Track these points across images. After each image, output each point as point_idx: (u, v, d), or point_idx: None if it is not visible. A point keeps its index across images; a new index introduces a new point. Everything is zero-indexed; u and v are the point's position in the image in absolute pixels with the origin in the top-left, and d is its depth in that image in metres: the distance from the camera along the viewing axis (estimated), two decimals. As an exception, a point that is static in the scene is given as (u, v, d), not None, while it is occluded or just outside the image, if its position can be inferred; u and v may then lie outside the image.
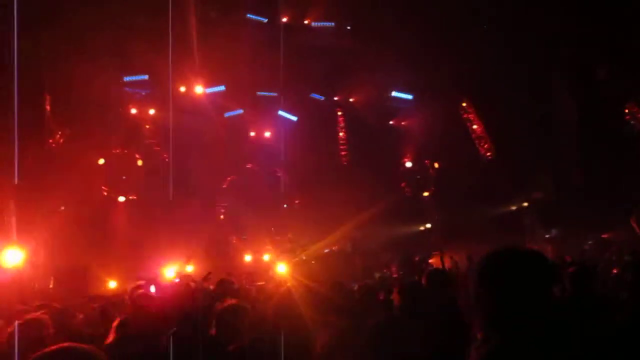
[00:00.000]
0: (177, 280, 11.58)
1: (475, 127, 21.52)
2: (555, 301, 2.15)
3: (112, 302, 7.02)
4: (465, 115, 21.55)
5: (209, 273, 8.71)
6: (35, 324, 3.70)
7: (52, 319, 4.08)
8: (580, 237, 16.50)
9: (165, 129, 19.14)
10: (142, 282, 8.79)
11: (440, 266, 12.66)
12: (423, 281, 5.05)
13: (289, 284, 5.31)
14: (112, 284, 15.37)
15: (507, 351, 2.00)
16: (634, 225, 10.01)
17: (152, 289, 7.82)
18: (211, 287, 8.27)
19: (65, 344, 2.13)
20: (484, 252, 2.17)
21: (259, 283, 11.76)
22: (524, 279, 2.06)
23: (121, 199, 19.15)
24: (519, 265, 2.10)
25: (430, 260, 15.40)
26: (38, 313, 3.99)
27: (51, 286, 14.44)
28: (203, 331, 4.13)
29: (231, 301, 4.46)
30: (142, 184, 19.30)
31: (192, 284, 8.25)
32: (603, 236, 16.02)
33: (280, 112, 21.49)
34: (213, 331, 4.12)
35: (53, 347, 2.10)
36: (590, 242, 16.04)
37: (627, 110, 17.79)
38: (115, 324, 4.77)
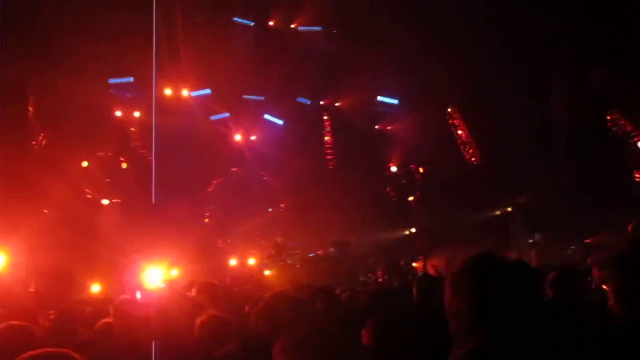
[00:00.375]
0: (162, 285, 11.52)
1: (460, 132, 21.64)
2: (535, 306, 2.09)
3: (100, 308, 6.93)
4: (451, 121, 21.66)
5: (193, 282, 8.53)
6: (19, 330, 3.64)
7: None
8: (564, 242, 16.63)
9: (151, 132, 19.10)
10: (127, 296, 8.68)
11: (423, 271, 12.69)
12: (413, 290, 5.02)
13: (275, 290, 5.23)
14: (96, 289, 15.26)
15: (481, 355, 2.00)
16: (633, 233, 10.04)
17: (138, 295, 7.68)
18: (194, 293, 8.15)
19: (49, 349, 2.14)
20: (467, 257, 2.16)
21: (245, 287, 11.76)
22: (499, 285, 2.05)
23: (105, 202, 18.99)
24: (496, 271, 2.09)
25: (415, 265, 15.44)
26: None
27: (32, 290, 14.28)
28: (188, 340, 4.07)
29: (212, 312, 4.40)
30: (127, 187, 19.08)
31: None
32: (586, 241, 16.14)
33: (267, 116, 21.53)
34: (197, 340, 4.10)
35: (34, 352, 2.09)
36: (573, 247, 16.16)
37: (609, 118, 18.00)
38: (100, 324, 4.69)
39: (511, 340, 1.99)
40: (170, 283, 8.87)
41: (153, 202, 18.66)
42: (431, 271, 13.05)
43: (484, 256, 2.15)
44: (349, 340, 2.99)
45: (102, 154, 19.19)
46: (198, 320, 4.24)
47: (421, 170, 21.96)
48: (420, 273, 13.02)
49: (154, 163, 18.84)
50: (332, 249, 18.04)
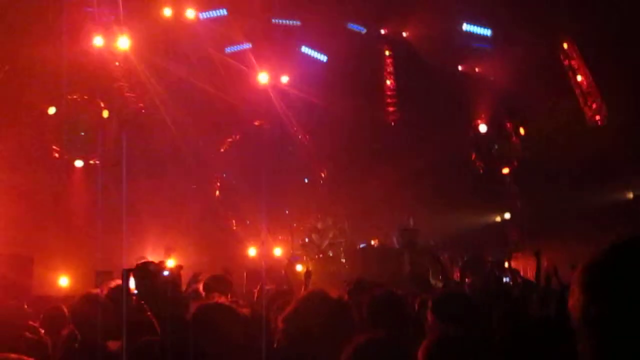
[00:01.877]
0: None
1: (580, 78, 21.08)
2: None
3: (59, 310, 7.04)
4: (566, 62, 21.10)
5: (199, 273, 8.62)
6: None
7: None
8: None
9: (142, 69, 19.27)
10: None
11: (520, 272, 12.58)
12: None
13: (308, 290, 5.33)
14: (64, 282, 15.52)
15: None
16: None
17: (132, 283, 7.82)
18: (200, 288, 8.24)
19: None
20: (586, 256, 2.04)
21: (269, 287, 11.82)
22: None
23: (79, 163, 19.22)
24: None
25: (507, 264, 15.35)
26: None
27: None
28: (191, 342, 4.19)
29: (219, 299, 4.53)
30: (109, 143, 19.26)
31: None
32: None
33: (304, 49, 21.30)
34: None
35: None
36: None
37: None
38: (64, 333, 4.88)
39: None
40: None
41: (146, 165, 19.06)
42: (529, 273, 12.95)
43: (635, 240, 2.01)
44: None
45: (74, 96, 19.26)
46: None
47: (521, 130, 21.57)
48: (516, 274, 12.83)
49: (148, 111, 19.04)
50: (391, 238, 18.00)
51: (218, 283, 7.84)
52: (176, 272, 5.91)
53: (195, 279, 8.68)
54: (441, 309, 5.04)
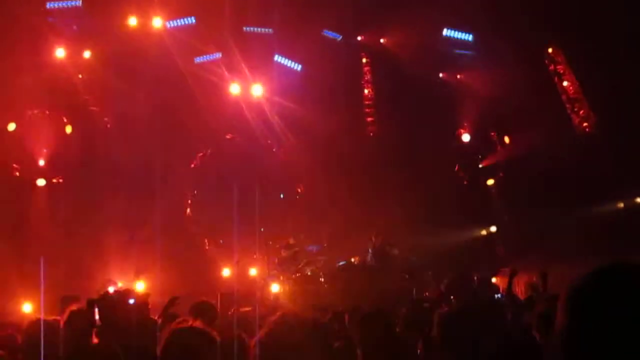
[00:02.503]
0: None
1: (566, 84, 21.18)
2: None
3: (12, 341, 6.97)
4: (551, 67, 21.19)
5: (175, 298, 8.54)
6: None
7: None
8: None
9: (107, 81, 19.18)
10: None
11: (506, 288, 12.59)
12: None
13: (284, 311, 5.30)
14: (28, 308, 15.32)
15: None
16: None
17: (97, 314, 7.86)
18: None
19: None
20: (577, 272, 2.19)
21: (243, 309, 11.72)
22: None
23: (41, 182, 18.96)
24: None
25: (494, 280, 15.34)
26: None
27: None
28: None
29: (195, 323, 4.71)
30: (73, 160, 19.21)
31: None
32: None
33: (278, 58, 21.23)
34: None
35: None
36: None
37: None
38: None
39: None
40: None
41: (113, 182, 18.89)
42: (520, 285, 12.96)
43: (619, 266, 2.19)
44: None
45: (35, 111, 19.15)
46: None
47: (506, 139, 21.62)
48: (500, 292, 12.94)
49: (113, 126, 18.89)
50: (370, 255, 17.90)
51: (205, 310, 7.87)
52: (143, 300, 5.89)
53: (171, 304, 8.57)
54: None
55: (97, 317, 6.89)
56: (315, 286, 16.86)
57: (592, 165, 18.86)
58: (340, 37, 22.03)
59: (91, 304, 6.92)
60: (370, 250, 17.99)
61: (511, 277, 9.09)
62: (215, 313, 7.91)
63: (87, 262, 16.87)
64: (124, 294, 8.91)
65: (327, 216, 19.98)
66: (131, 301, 7.82)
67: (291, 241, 18.18)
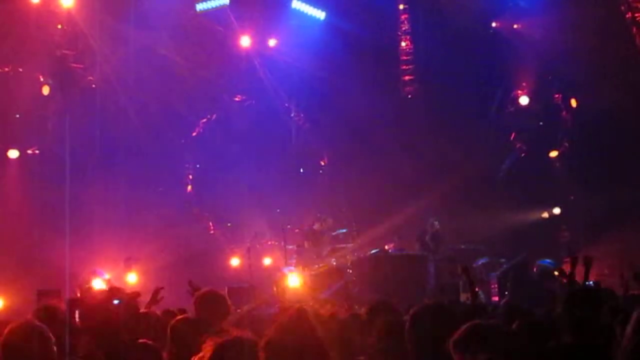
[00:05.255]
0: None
1: (648, 36, 20.90)
2: None
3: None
4: (629, 15, 20.88)
5: (160, 289, 8.46)
6: None
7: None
8: None
9: (92, 33, 19.14)
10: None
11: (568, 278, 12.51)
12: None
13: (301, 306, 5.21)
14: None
15: None
16: None
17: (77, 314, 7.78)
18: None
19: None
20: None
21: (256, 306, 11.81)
22: None
23: (13, 153, 18.97)
24: None
25: (556, 272, 15.20)
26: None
27: None
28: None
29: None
30: (51, 127, 19.15)
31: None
32: None
33: (296, 4, 21.04)
34: None
35: None
36: None
37: None
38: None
39: None
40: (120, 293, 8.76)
41: (99, 153, 18.89)
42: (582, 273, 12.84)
43: None
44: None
45: (6, 69, 19.04)
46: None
47: (573, 103, 21.29)
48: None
49: (95, 86, 18.87)
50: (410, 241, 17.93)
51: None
52: (131, 300, 5.99)
53: (155, 297, 8.46)
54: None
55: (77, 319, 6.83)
56: (341, 277, 16.85)
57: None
58: (372, -20, 21.87)
59: (72, 304, 6.82)
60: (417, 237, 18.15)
61: (587, 266, 8.88)
62: (227, 308, 7.49)
63: (69, 250, 16.86)
64: (109, 293, 8.82)
65: (356, 195, 19.98)
66: (116, 302, 7.70)
67: (316, 227, 18.13)
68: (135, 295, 8.48)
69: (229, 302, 7.46)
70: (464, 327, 4.51)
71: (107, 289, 11.20)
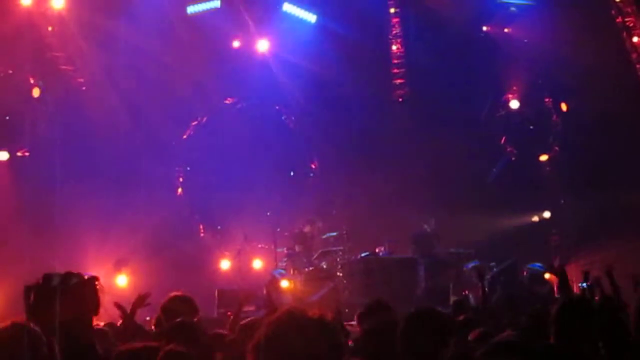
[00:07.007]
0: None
1: (636, 39, 20.94)
2: None
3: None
4: (619, 19, 20.94)
5: (146, 294, 8.35)
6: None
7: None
8: None
9: (83, 36, 19.10)
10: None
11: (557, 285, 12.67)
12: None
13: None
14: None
15: None
16: None
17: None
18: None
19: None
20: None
21: (246, 309, 11.63)
22: None
23: (2, 155, 18.88)
24: None
25: (547, 276, 15.43)
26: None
27: None
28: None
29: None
30: (41, 129, 19.10)
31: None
32: None
33: (287, 7, 21.06)
34: None
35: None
36: None
37: None
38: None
39: None
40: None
41: (90, 156, 18.83)
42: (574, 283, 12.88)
43: None
44: None
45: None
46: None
47: (563, 107, 21.38)
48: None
49: (85, 88, 18.83)
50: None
51: (183, 304, 7.62)
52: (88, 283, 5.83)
53: (141, 301, 8.36)
54: None
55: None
56: (332, 281, 16.86)
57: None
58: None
59: (28, 290, 6.78)
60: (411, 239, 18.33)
61: (586, 274, 8.93)
62: (195, 309, 7.71)
63: (58, 252, 16.80)
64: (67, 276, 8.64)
65: (346, 198, 20.04)
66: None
67: (306, 229, 18.14)
68: (93, 279, 8.38)
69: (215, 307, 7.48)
70: (492, 342, 4.56)
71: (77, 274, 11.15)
